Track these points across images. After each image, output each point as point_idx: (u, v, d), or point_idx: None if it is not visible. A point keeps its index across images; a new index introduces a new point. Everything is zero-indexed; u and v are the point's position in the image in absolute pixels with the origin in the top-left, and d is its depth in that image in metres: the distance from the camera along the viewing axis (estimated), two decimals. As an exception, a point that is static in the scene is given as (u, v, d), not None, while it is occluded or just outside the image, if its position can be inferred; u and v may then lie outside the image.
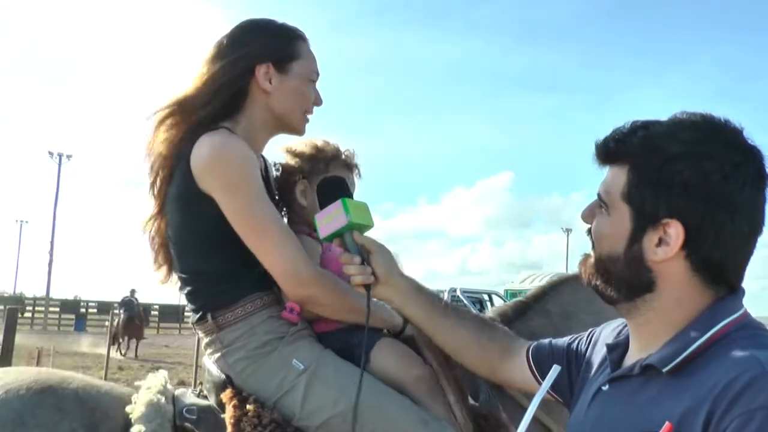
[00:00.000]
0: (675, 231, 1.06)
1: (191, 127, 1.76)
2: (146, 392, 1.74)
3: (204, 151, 1.68)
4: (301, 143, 1.98)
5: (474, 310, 2.28)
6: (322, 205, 1.57)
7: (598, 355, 1.34)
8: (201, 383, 1.88)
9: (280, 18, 1.90)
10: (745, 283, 1.14)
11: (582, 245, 1.23)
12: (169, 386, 1.80)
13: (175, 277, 1.86)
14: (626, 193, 1.11)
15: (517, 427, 1.23)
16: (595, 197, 1.18)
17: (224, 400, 1.70)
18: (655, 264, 1.09)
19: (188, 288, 1.80)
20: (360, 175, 2.02)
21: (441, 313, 1.63)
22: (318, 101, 1.89)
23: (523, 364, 1.52)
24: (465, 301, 16.87)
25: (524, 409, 1.24)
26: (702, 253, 1.07)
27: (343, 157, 1.99)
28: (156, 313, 33.11)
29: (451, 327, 1.62)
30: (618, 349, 1.21)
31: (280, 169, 2.02)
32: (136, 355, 17.71)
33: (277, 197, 1.98)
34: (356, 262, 1.54)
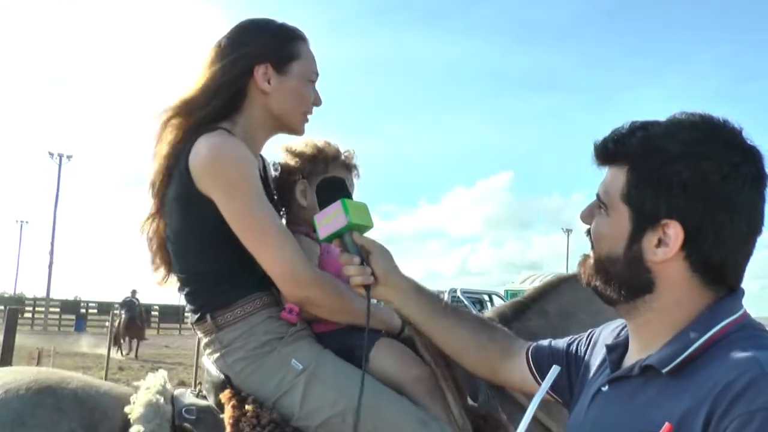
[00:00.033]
0: (674, 231, 1.06)
1: (190, 128, 1.76)
2: (145, 392, 1.74)
3: (202, 152, 1.68)
4: (301, 143, 1.98)
5: (474, 311, 2.27)
6: (322, 205, 1.57)
7: (597, 355, 1.34)
8: (200, 383, 1.88)
9: (280, 18, 1.90)
10: (745, 284, 1.14)
11: (582, 246, 1.23)
12: (168, 386, 1.80)
13: (173, 278, 1.86)
14: (625, 193, 1.11)
15: (516, 428, 1.23)
16: (595, 198, 1.18)
17: (223, 401, 1.70)
18: (655, 264, 1.09)
19: (187, 289, 1.80)
20: (359, 176, 2.03)
21: (441, 314, 1.63)
22: (317, 101, 1.89)
23: (523, 365, 1.52)
24: (465, 302, 16.87)
25: (523, 410, 1.24)
26: (701, 254, 1.07)
27: (343, 157, 1.99)
28: (156, 313, 33.13)
29: (450, 327, 1.62)
30: (617, 349, 1.21)
31: (279, 169, 2.02)
32: (136, 356, 17.71)
33: (275, 197, 1.98)
34: (356, 263, 1.54)
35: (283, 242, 1.70)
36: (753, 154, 1.08)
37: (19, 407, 1.62)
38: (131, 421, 1.68)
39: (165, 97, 1.82)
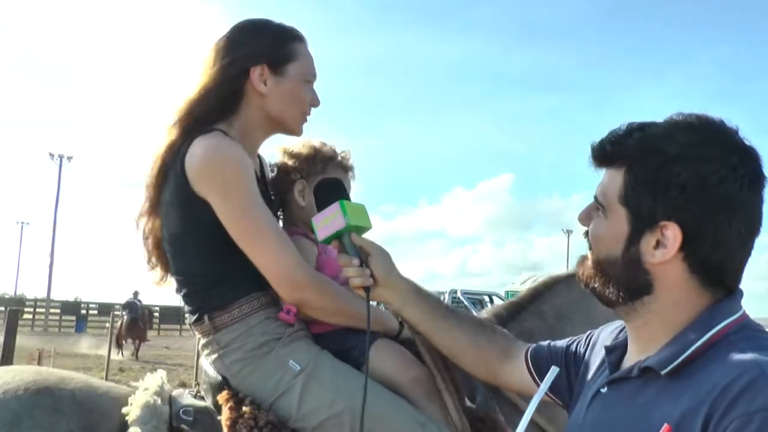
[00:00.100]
0: (672, 233, 1.06)
1: (186, 129, 1.76)
2: (143, 393, 1.74)
3: (198, 154, 1.68)
4: (298, 144, 1.98)
5: (474, 312, 2.27)
6: (320, 206, 1.56)
7: (596, 357, 1.34)
8: (198, 384, 1.88)
9: (280, 18, 1.90)
10: (748, 285, 1.15)
11: (583, 247, 1.23)
12: (166, 387, 1.80)
13: (169, 278, 1.86)
14: (623, 195, 1.11)
15: (514, 430, 1.23)
16: (592, 200, 1.18)
17: (220, 402, 1.69)
18: (653, 266, 1.09)
19: (184, 290, 1.80)
20: (354, 177, 2.03)
21: (440, 316, 1.62)
22: (315, 102, 1.89)
23: (522, 367, 1.52)
24: (465, 303, 16.86)
25: (521, 411, 1.24)
26: (700, 255, 1.07)
27: (339, 158, 1.99)
28: (156, 314, 33.11)
29: (449, 329, 1.61)
30: (616, 351, 1.21)
31: (275, 170, 2.01)
32: (136, 357, 17.71)
33: (273, 197, 1.98)
34: (355, 264, 1.54)
35: (279, 244, 1.69)
36: (750, 154, 1.08)
37: (16, 408, 1.62)
38: (129, 422, 1.68)
39: (167, 101, 1.82)
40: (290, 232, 1.87)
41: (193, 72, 1.83)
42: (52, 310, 35.41)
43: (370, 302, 1.57)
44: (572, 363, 1.41)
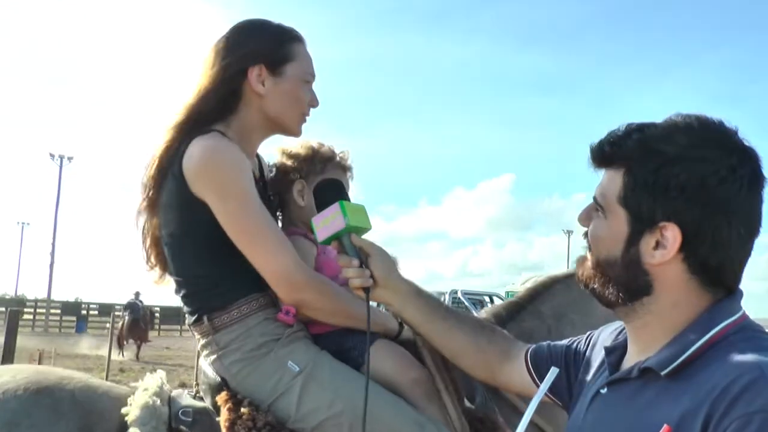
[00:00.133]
0: (672, 234, 1.06)
1: (184, 129, 1.76)
2: (142, 394, 1.74)
3: (195, 155, 1.68)
4: (297, 144, 1.98)
5: (475, 312, 2.27)
6: (320, 207, 1.56)
7: (596, 357, 1.34)
8: (197, 384, 1.87)
9: (281, 19, 1.89)
10: (748, 285, 1.14)
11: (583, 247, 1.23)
12: (165, 387, 1.80)
13: (167, 277, 1.86)
14: (622, 196, 1.10)
15: (514, 430, 1.23)
16: (591, 200, 1.18)
17: (219, 403, 1.69)
18: (653, 267, 1.09)
19: (183, 291, 1.80)
20: (353, 177, 2.02)
21: (440, 317, 1.62)
22: (314, 103, 1.88)
23: (522, 368, 1.51)
24: (466, 303, 16.86)
25: (521, 412, 1.24)
26: (699, 256, 1.07)
27: (338, 158, 1.99)
28: (157, 314, 33.10)
29: (449, 330, 1.61)
30: (616, 351, 1.21)
31: (274, 170, 2.01)
32: (137, 358, 17.70)
33: (271, 197, 1.97)
34: (354, 265, 1.53)
35: (277, 244, 1.69)
36: (750, 155, 1.08)
37: (15, 408, 1.62)
38: (128, 423, 1.67)
39: (167, 102, 1.82)
40: (289, 233, 1.87)
41: (193, 73, 1.83)
42: (52, 311, 35.41)
43: (370, 303, 1.56)
44: (572, 364, 1.41)
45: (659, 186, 1.06)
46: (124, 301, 20.35)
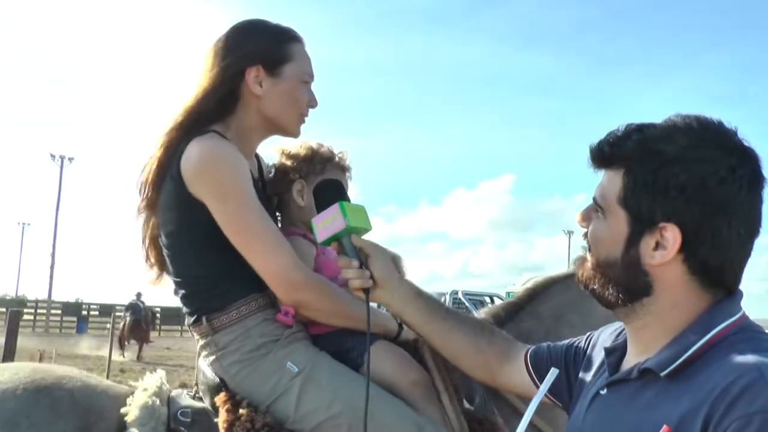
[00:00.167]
0: (672, 235, 1.06)
1: (183, 130, 1.75)
2: (142, 394, 1.74)
3: (193, 156, 1.68)
4: (296, 145, 1.98)
5: (476, 313, 2.26)
6: (320, 207, 1.56)
7: (596, 358, 1.34)
8: (196, 384, 1.87)
9: (281, 19, 1.89)
10: (748, 286, 1.14)
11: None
12: (165, 387, 1.80)
13: (165, 276, 1.86)
14: (622, 197, 1.10)
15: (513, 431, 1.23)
16: (591, 201, 1.18)
17: (218, 404, 1.69)
18: (653, 268, 1.09)
19: (182, 291, 1.80)
20: (351, 177, 2.02)
21: (440, 318, 1.61)
22: (312, 103, 1.87)
23: (522, 369, 1.51)
24: (467, 304, 16.84)
25: (520, 413, 1.24)
26: (699, 257, 1.07)
27: (337, 159, 1.99)
28: (158, 315, 33.09)
29: (449, 331, 1.60)
30: (616, 352, 1.21)
31: (273, 171, 2.01)
32: (138, 358, 17.70)
33: (270, 198, 1.97)
34: (354, 266, 1.52)
35: (276, 245, 1.69)
36: (749, 156, 1.08)
37: (14, 407, 1.62)
38: (127, 423, 1.67)
39: (166, 102, 1.81)
40: (289, 233, 1.87)
41: (191, 73, 1.82)
42: (53, 311, 35.38)
43: (370, 304, 1.56)
44: (572, 365, 1.41)
45: (659, 186, 1.06)
46: (125, 302, 20.35)
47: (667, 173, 1.06)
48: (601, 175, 1.16)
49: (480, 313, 2.20)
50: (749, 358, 0.98)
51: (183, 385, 1.94)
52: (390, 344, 1.83)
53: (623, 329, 1.24)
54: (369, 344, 1.54)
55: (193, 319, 1.78)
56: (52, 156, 42.36)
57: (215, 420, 1.69)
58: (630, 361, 1.16)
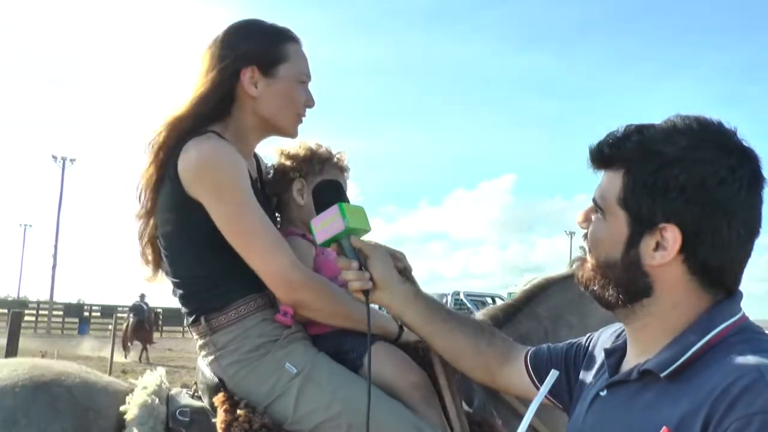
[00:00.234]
0: (672, 235, 1.06)
1: (181, 131, 1.75)
2: (141, 392, 1.74)
3: (192, 156, 1.68)
4: (295, 145, 1.98)
5: (477, 314, 2.25)
6: (319, 208, 1.55)
7: (596, 359, 1.34)
8: (195, 383, 1.87)
9: (281, 19, 1.89)
10: (748, 286, 1.14)
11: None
12: (164, 386, 1.79)
13: (161, 275, 1.86)
14: (622, 198, 1.10)
15: (512, 433, 1.23)
16: (591, 202, 1.18)
17: (216, 404, 1.69)
18: (653, 269, 1.09)
19: (181, 291, 1.80)
20: (349, 177, 2.02)
21: (440, 319, 1.61)
22: (309, 103, 1.87)
23: (522, 370, 1.51)
24: (468, 304, 16.83)
25: (520, 415, 1.24)
26: (699, 257, 1.07)
27: (336, 159, 1.99)
28: (159, 316, 33.07)
29: (449, 332, 1.60)
30: (616, 353, 1.21)
31: (271, 172, 2.01)
32: (140, 359, 17.71)
33: (270, 198, 1.97)
34: (354, 268, 1.52)
35: (274, 244, 1.69)
36: (749, 156, 1.08)
37: (12, 405, 1.61)
38: (126, 421, 1.67)
39: (165, 103, 1.81)
40: (288, 233, 1.87)
41: (187, 75, 1.82)
42: (54, 312, 35.40)
43: (374, 306, 1.56)
44: (572, 366, 1.41)
45: (659, 187, 1.06)
46: (127, 303, 20.39)
47: (667, 174, 1.06)
48: (600, 176, 1.16)
49: (478, 315, 2.19)
50: (749, 359, 0.98)
51: (185, 386, 1.93)
52: (390, 346, 1.82)
53: (623, 330, 1.24)
54: (369, 345, 1.54)
55: (191, 319, 1.78)
56: (54, 157, 42.51)
57: (214, 420, 1.68)
58: (630, 362, 1.16)
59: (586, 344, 1.41)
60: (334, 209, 1.50)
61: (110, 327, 18.29)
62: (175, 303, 1.84)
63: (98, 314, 35.12)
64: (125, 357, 17.73)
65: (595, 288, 1.17)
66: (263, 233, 1.69)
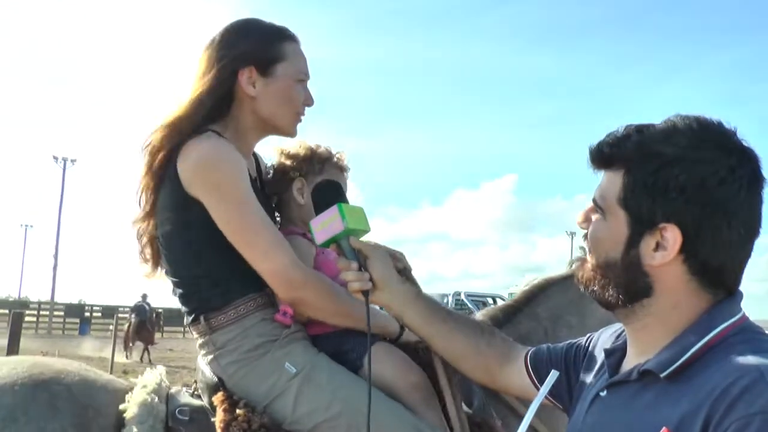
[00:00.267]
0: (672, 235, 1.06)
1: (181, 131, 1.75)
2: (141, 391, 1.73)
3: (192, 155, 1.68)
4: (295, 145, 1.98)
5: (477, 314, 2.25)
6: (318, 209, 1.55)
7: (596, 360, 1.34)
8: (195, 382, 1.87)
9: (281, 20, 1.88)
10: (748, 287, 1.14)
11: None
12: (164, 384, 1.79)
13: (159, 272, 1.86)
14: (622, 198, 1.10)
15: (512, 434, 1.23)
16: (591, 202, 1.18)
17: (215, 403, 1.69)
18: (653, 269, 1.09)
19: (180, 290, 1.80)
20: (348, 177, 2.02)
21: (440, 319, 1.61)
22: (308, 101, 1.87)
23: (522, 370, 1.51)
24: (469, 305, 16.83)
25: (520, 416, 1.24)
26: (699, 257, 1.07)
27: (335, 159, 1.99)
28: (161, 316, 33.04)
29: (449, 333, 1.60)
30: (616, 354, 1.21)
31: (271, 171, 2.01)
32: (141, 359, 17.73)
33: (269, 197, 1.97)
34: (353, 268, 1.52)
35: (274, 243, 1.69)
36: (749, 156, 1.08)
37: (12, 403, 1.61)
38: (125, 420, 1.67)
39: (165, 103, 1.81)
40: (288, 232, 1.87)
41: (186, 75, 1.82)
42: (55, 313, 35.43)
43: (375, 306, 1.55)
44: (572, 366, 1.41)
45: (659, 187, 1.06)
46: (128, 304, 20.43)
47: (667, 174, 1.06)
48: (600, 176, 1.16)
49: (478, 315, 2.19)
50: (749, 359, 0.98)
51: (185, 386, 1.93)
52: (390, 346, 1.82)
53: (623, 330, 1.23)
54: (369, 346, 1.54)
55: (191, 318, 1.78)
56: (55, 158, 42.58)
57: (213, 419, 1.68)
58: (630, 363, 1.16)
59: (586, 344, 1.41)
60: (333, 210, 1.50)
61: (111, 327, 18.31)
62: (176, 303, 1.84)
63: (99, 315, 35.17)
64: (127, 357, 17.75)
65: (595, 288, 1.17)
66: (263, 232, 1.69)
